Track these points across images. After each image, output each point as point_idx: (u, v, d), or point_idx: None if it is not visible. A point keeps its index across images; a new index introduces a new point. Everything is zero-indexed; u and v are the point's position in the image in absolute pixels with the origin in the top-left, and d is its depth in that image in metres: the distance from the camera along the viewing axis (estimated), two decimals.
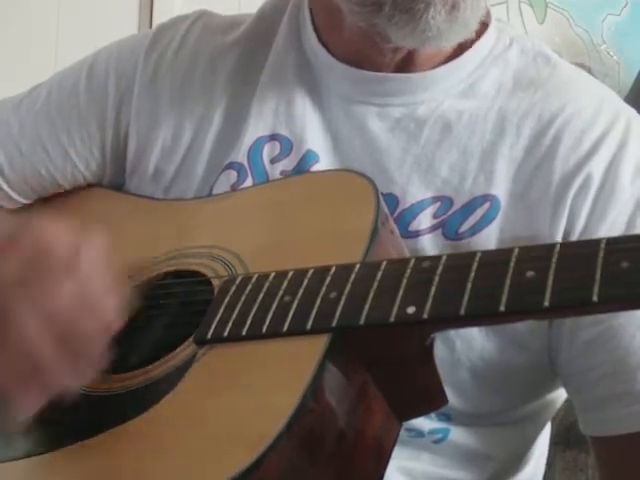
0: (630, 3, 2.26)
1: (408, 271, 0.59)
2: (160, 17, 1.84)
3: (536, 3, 2.22)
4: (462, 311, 0.55)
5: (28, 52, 1.81)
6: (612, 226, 0.74)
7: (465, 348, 0.75)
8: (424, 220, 0.76)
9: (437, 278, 0.57)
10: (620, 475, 0.76)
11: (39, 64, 1.74)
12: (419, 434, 0.77)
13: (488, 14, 0.82)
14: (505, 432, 0.81)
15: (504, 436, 0.81)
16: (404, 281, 0.58)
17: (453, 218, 0.76)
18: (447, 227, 0.76)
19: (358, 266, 0.61)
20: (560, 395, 0.84)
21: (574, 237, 0.74)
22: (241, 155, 0.82)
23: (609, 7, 2.26)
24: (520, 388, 0.79)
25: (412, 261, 0.60)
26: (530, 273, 0.54)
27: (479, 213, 0.76)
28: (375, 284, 0.59)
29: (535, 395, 0.82)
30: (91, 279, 0.63)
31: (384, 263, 0.61)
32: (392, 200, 0.77)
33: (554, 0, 2.23)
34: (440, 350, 0.73)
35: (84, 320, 0.62)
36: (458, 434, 0.78)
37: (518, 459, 0.85)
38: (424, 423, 0.76)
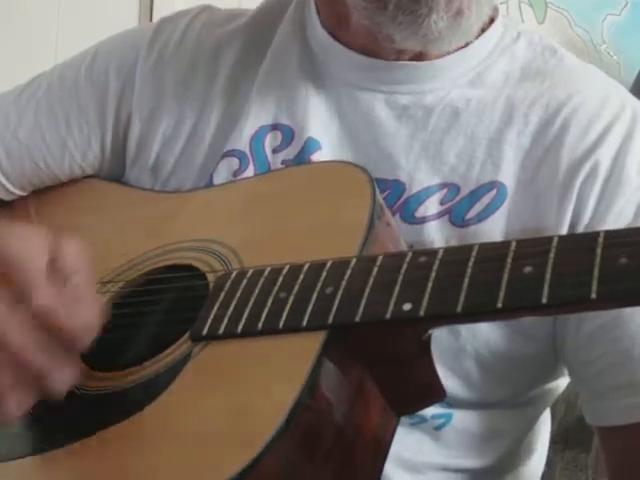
0: (630, 3, 2.26)
1: (404, 266, 0.58)
2: (160, 15, 1.85)
3: (536, 3, 2.22)
4: (459, 308, 0.55)
5: (28, 52, 1.81)
6: (620, 215, 0.74)
7: (470, 337, 0.75)
8: (431, 207, 0.77)
9: (433, 274, 0.57)
10: (625, 464, 0.76)
11: (39, 63, 1.73)
12: (422, 419, 0.77)
13: (495, 8, 0.83)
14: (505, 415, 0.81)
15: (505, 419, 0.81)
16: (400, 277, 0.58)
17: (460, 205, 0.76)
18: (454, 214, 0.76)
19: (354, 261, 0.61)
20: (562, 382, 0.84)
21: (582, 224, 0.74)
22: (243, 143, 0.82)
23: (609, 7, 2.26)
24: (525, 376, 0.79)
25: (408, 256, 0.59)
26: (528, 269, 0.54)
27: (486, 200, 0.76)
28: (371, 279, 0.59)
29: (539, 382, 0.82)
30: (69, 281, 0.63)
31: (380, 258, 0.60)
32: (398, 186, 0.78)
33: (554, 0, 2.24)
34: (445, 339, 0.74)
35: (65, 319, 0.61)
36: (460, 418, 0.78)
37: (520, 445, 0.85)
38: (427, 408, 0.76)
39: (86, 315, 0.62)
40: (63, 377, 0.61)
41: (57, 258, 0.63)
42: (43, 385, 0.60)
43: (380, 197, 0.68)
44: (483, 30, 0.82)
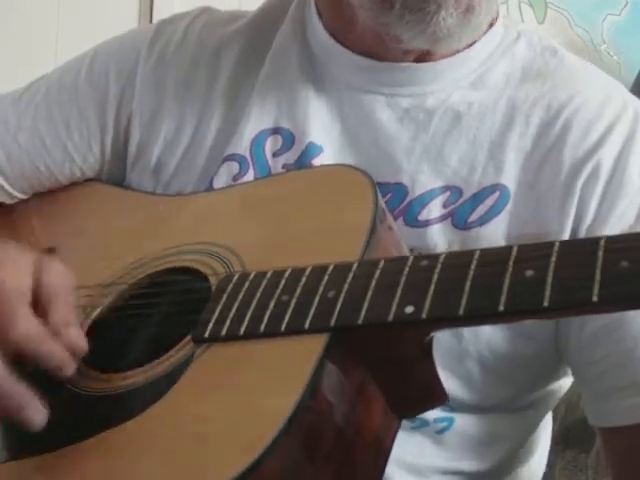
0: (630, 3, 2.26)
1: (406, 269, 0.59)
2: (160, 17, 1.85)
3: (536, 3, 2.22)
4: (461, 311, 0.55)
5: (28, 52, 1.81)
6: (622, 217, 0.74)
7: (473, 338, 0.75)
8: (434, 209, 0.77)
9: (436, 277, 0.57)
10: (630, 465, 0.76)
11: (39, 64, 1.73)
12: (423, 423, 0.77)
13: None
14: (508, 418, 0.81)
15: (507, 422, 0.81)
16: (402, 280, 0.58)
17: (463, 208, 0.76)
18: (456, 217, 0.76)
19: (356, 264, 0.61)
20: (564, 384, 0.84)
21: (584, 226, 0.74)
22: (243, 147, 0.82)
23: (609, 7, 2.25)
24: (527, 377, 0.79)
25: (410, 260, 0.59)
26: (529, 272, 0.54)
27: (488, 203, 0.76)
28: (373, 283, 0.59)
29: (541, 384, 0.82)
30: (49, 310, 0.63)
31: (382, 261, 0.60)
32: (400, 190, 0.77)
33: (554, 0, 2.23)
34: (448, 341, 0.74)
35: (47, 347, 0.62)
36: (462, 422, 0.78)
37: (520, 449, 0.85)
38: (428, 412, 0.76)
39: (70, 340, 0.63)
40: (40, 410, 0.61)
41: (40, 284, 0.63)
42: (19, 416, 0.61)
43: (382, 201, 0.68)
44: (485, 30, 0.81)
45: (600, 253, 0.52)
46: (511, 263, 0.55)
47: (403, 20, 0.73)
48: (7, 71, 1.72)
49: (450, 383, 0.72)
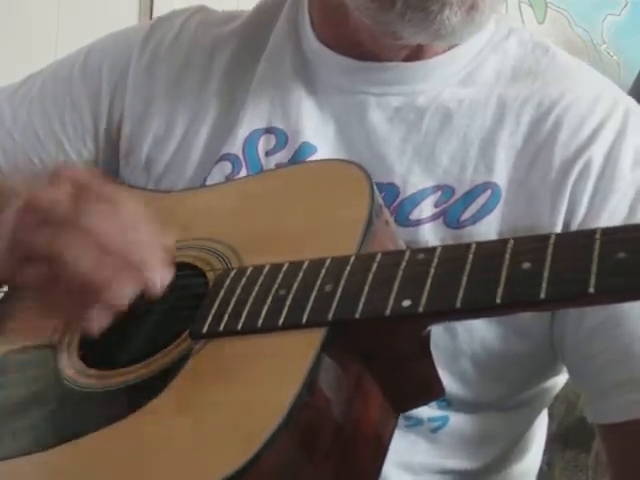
0: (630, 3, 2.26)
1: (403, 263, 0.59)
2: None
3: (536, 3, 2.23)
4: (458, 304, 0.55)
5: (28, 52, 1.81)
6: (614, 212, 0.74)
7: (467, 336, 0.75)
8: (425, 209, 0.76)
9: (432, 271, 0.57)
10: (630, 464, 0.76)
11: (39, 63, 1.73)
12: (418, 422, 0.77)
13: None
14: (502, 417, 0.81)
15: (501, 421, 0.81)
16: (399, 274, 0.58)
17: (454, 207, 0.76)
18: (448, 216, 0.76)
19: (353, 259, 0.61)
20: (558, 381, 0.84)
21: (576, 222, 0.74)
22: (236, 147, 0.82)
23: (609, 7, 2.26)
24: (521, 375, 0.79)
25: (407, 253, 0.59)
26: (526, 265, 0.54)
27: (480, 201, 0.76)
28: (370, 277, 0.59)
29: (535, 382, 0.82)
30: (137, 209, 0.67)
31: (379, 255, 0.60)
32: (393, 190, 0.77)
33: (554, 0, 2.24)
34: (442, 339, 0.74)
35: (140, 233, 0.65)
36: (457, 421, 0.78)
37: (514, 447, 0.85)
38: (423, 411, 0.76)
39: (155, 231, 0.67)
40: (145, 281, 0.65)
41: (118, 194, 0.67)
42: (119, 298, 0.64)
43: (378, 195, 0.68)
44: None
45: (596, 245, 0.52)
46: (507, 256, 0.55)
47: (405, 18, 0.73)
48: (7, 70, 1.71)
49: (444, 381, 0.72)
